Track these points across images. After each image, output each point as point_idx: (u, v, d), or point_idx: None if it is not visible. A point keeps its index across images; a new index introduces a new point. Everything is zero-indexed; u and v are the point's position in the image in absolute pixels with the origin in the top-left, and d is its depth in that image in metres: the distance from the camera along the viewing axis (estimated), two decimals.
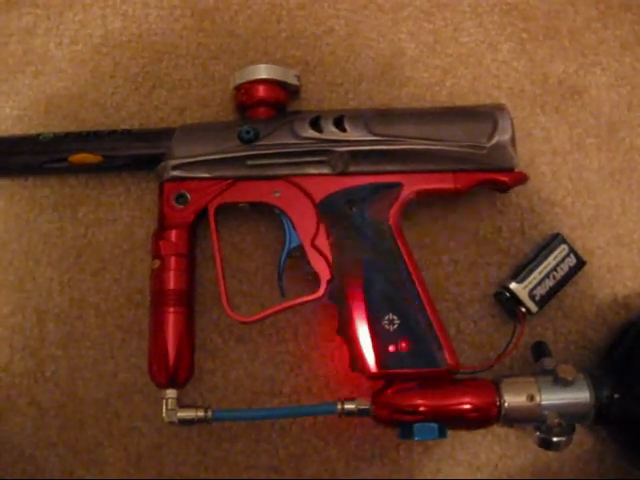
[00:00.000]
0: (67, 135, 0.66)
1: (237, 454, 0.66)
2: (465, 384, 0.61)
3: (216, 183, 0.63)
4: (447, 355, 0.60)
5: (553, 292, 0.65)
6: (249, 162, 0.63)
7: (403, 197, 0.63)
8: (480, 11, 0.72)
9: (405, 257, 0.62)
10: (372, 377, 0.61)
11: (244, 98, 0.65)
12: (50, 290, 0.68)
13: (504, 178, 0.63)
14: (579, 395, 0.60)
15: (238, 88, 0.66)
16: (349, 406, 0.60)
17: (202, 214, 0.63)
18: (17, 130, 0.70)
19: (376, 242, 0.62)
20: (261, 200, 0.63)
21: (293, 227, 0.63)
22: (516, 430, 0.67)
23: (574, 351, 0.67)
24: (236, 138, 0.63)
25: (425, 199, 0.66)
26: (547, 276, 0.65)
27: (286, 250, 0.63)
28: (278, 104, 0.66)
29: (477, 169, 0.63)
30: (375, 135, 0.63)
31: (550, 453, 0.66)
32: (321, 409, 0.63)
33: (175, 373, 0.61)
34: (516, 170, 0.63)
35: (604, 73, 0.72)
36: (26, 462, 0.66)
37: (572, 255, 0.66)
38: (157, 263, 0.62)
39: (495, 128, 0.63)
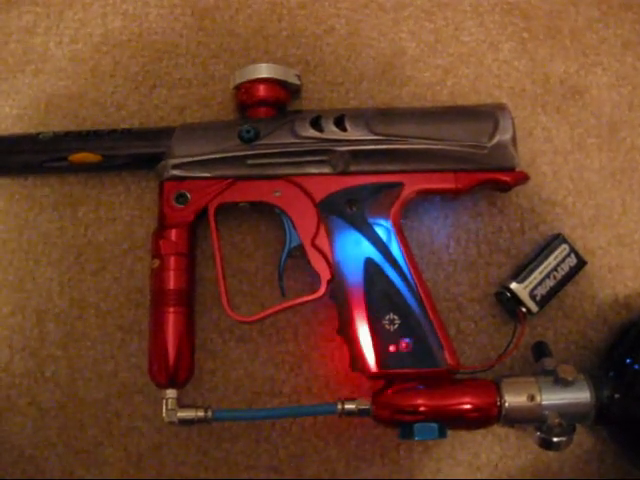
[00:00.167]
0: (67, 134, 0.65)
1: (237, 454, 0.66)
2: (465, 384, 0.61)
3: (216, 182, 0.63)
4: (447, 355, 0.60)
5: (554, 292, 0.65)
6: (249, 161, 0.63)
7: (404, 197, 0.63)
8: (481, 10, 0.72)
9: (406, 257, 0.61)
10: (372, 377, 0.61)
11: (244, 97, 0.65)
12: (50, 290, 0.68)
13: (505, 178, 0.63)
14: (580, 395, 0.60)
15: (238, 87, 0.65)
16: (349, 406, 0.60)
17: (202, 213, 0.63)
18: (17, 129, 0.70)
19: (376, 242, 0.61)
20: (261, 200, 0.63)
21: (293, 227, 0.63)
22: (516, 430, 0.67)
23: (575, 351, 0.67)
24: (236, 137, 0.63)
25: (426, 199, 0.66)
26: (548, 276, 0.65)
27: (286, 250, 0.63)
28: (278, 103, 0.65)
29: (478, 169, 0.63)
30: (376, 135, 0.63)
31: (550, 453, 0.66)
32: (321, 409, 0.63)
33: (175, 373, 0.61)
34: (517, 170, 0.63)
35: (605, 73, 0.72)
36: (26, 462, 0.66)
37: (573, 255, 0.66)
38: (157, 263, 0.62)
39: (496, 128, 0.63)
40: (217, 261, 0.63)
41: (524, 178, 0.64)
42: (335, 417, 0.62)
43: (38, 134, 0.66)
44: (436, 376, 0.60)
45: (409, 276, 0.61)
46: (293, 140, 0.63)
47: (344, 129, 0.63)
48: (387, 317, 0.60)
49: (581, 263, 0.66)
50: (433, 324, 0.60)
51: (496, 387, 0.60)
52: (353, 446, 0.66)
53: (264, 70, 0.64)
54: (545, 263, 0.65)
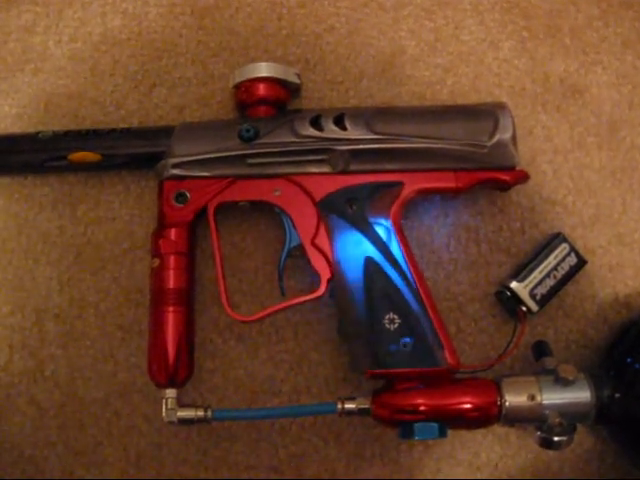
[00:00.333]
0: (66, 133, 0.65)
1: (237, 454, 0.66)
2: (466, 383, 0.61)
3: (216, 182, 0.63)
4: (448, 354, 0.60)
5: (554, 291, 0.65)
6: (249, 161, 0.63)
7: (404, 196, 0.62)
8: (481, 9, 0.72)
9: (406, 256, 0.61)
10: (372, 376, 0.61)
11: (244, 96, 0.65)
12: (49, 289, 0.68)
13: (505, 177, 0.63)
14: (580, 395, 0.60)
15: (238, 86, 0.65)
16: (349, 405, 0.60)
17: (202, 213, 0.63)
18: (16, 128, 0.70)
19: (377, 241, 0.61)
20: (261, 199, 0.63)
21: (293, 226, 0.63)
22: (517, 430, 0.67)
23: (575, 350, 0.67)
24: (236, 137, 0.63)
25: (426, 198, 0.66)
26: (548, 275, 0.65)
27: (286, 249, 0.63)
28: (278, 102, 0.65)
29: (478, 168, 0.62)
30: (376, 134, 0.63)
31: (551, 453, 0.66)
32: (321, 409, 0.63)
33: (175, 372, 0.61)
34: (517, 169, 0.63)
35: (605, 72, 0.72)
36: (26, 462, 0.66)
37: (573, 254, 0.66)
38: (157, 262, 0.62)
39: (496, 126, 0.63)
40: (217, 260, 0.63)
41: (524, 177, 0.64)
42: (335, 417, 0.62)
43: (38, 133, 0.66)
44: (436, 375, 0.60)
45: (409, 275, 0.61)
46: (293, 139, 0.63)
47: (344, 128, 0.63)
48: (387, 316, 0.60)
49: (581, 262, 0.66)
50: (433, 323, 0.60)
51: (496, 386, 0.60)
52: (353, 446, 0.66)
53: (264, 69, 0.64)
54: (545, 262, 0.65)
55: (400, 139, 0.63)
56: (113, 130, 0.65)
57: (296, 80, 0.66)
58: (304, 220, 0.63)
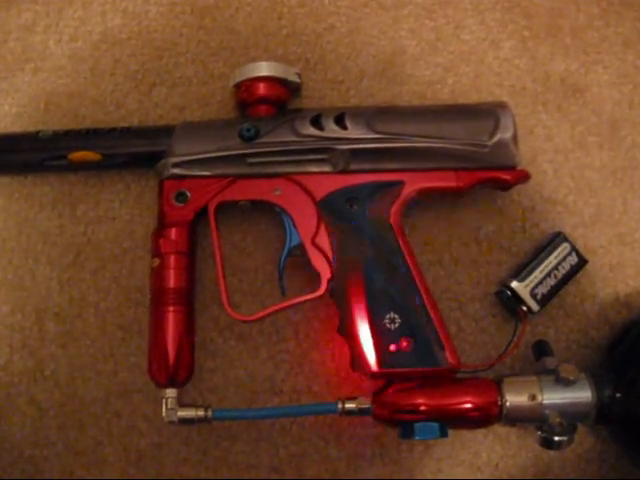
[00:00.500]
0: (67, 133, 0.65)
1: (237, 454, 0.66)
2: (466, 383, 0.61)
3: (216, 181, 0.63)
4: (448, 354, 0.60)
5: (555, 291, 0.65)
6: (249, 160, 0.63)
7: (404, 195, 0.62)
8: (482, 8, 0.72)
9: (406, 256, 0.61)
10: (373, 376, 0.61)
11: (245, 96, 0.65)
12: (49, 289, 0.67)
13: (506, 176, 0.63)
14: (581, 394, 0.60)
15: (238, 86, 0.65)
16: (350, 405, 0.60)
17: (202, 212, 0.63)
18: (16, 128, 0.70)
19: (377, 240, 0.61)
20: (261, 198, 0.63)
21: (294, 225, 0.63)
22: (517, 429, 0.67)
23: (576, 350, 0.67)
24: (236, 136, 0.63)
25: (426, 197, 0.66)
26: (549, 275, 0.65)
27: (286, 249, 0.63)
28: (279, 102, 0.65)
29: (479, 167, 0.62)
30: (376, 133, 0.63)
31: (551, 453, 0.66)
32: (322, 408, 0.63)
33: (175, 372, 0.61)
34: (518, 168, 0.63)
35: (606, 71, 0.71)
36: (25, 462, 0.66)
37: (574, 254, 0.66)
38: (157, 261, 0.62)
39: (497, 126, 0.63)
40: (217, 260, 0.62)
41: (525, 176, 0.64)
42: (335, 416, 0.62)
43: (38, 132, 0.65)
44: (437, 375, 0.60)
45: (410, 275, 0.61)
46: (293, 138, 0.63)
47: (344, 127, 0.63)
48: (388, 316, 0.60)
49: (582, 262, 0.66)
50: (434, 323, 0.60)
51: (497, 386, 0.60)
52: (353, 445, 0.66)
53: (264, 68, 0.64)
54: (546, 262, 0.65)
55: (401, 138, 0.63)
56: (113, 129, 0.65)
57: (296, 79, 0.66)
58: (304, 219, 0.62)
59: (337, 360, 0.66)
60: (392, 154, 0.63)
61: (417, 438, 0.58)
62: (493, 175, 0.63)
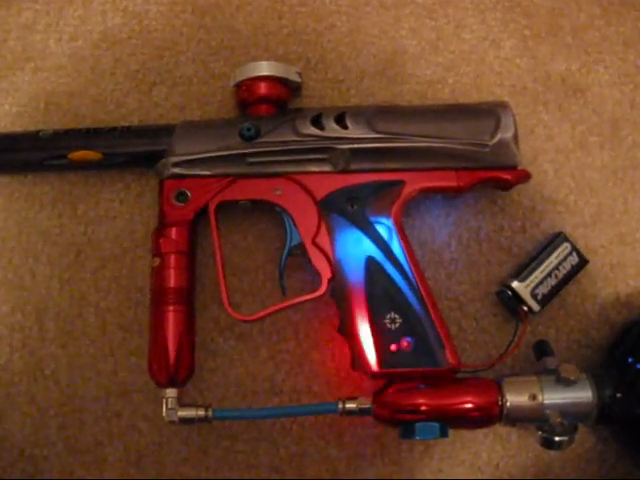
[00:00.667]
0: (67, 132, 0.65)
1: (237, 453, 0.66)
2: (467, 383, 0.61)
3: (217, 181, 0.63)
4: (449, 354, 0.60)
5: (555, 291, 0.65)
6: (250, 159, 0.63)
7: (405, 195, 0.62)
8: (482, 8, 0.72)
9: (407, 255, 0.61)
10: (373, 376, 0.61)
11: (245, 95, 0.65)
12: (50, 288, 0.67)
13: (507, 176, 0.63)
14: (581, 394, 0.60)
15: (239, 85, 0.65)
16: (350, 405, 0.60)
17: (202, 212, 0.63)
18: (17, 127, 0.70)
19: (378, 240, 0.61)
20: (262, 198, 0.63)
21: (294, 225, 0.63)
22: (518, 430, 0.67)
23: (576, 350, 0.67)
24: (237, 135, 0.63)
25: (427, 197, 0.66)
26: (549, 275, 0.65)
27: (287, 248, 0.63)
28: (279, 101, 0.65)
29: (480, 167, 0.62)
30: (377, 132, 0.63)
31: (552, 453, 0.66)
32: (322, 408, 0.63)
33: (175, 372, 0.60)
34: (519, 168, 0.63)
35: (607, 71, 0.71)
36: (25, 461, 0.66)
37: (574, 254, 0.66)
38: (157, 261, 0.62)
39: (498, 126, 0.63)
40: (217, 259, 0.62)
41: (526, 176, 0.64)
42: (336, 416, 0.62)
43: (38, 132, 0.65)
44: (437, 375, 0.60)
45: (410, 275, 0.61)
46: (294, 138, 0.63)
47: (345, 127, 0.63)
48: (388, 316, 0.60)
49: (583, 262, 0.66)
50: (434, 323, 0.60)
51: (497, 386, 0.60)
52: (354, 445, 0.66)
53: (265, 68, 0.64)
54: (547, 262, 0.65)
55: (401, 138, 0.62)
56: (114, 129, 0.65)
57: (297, 79, 0.66)
58: (305, 219, 0.62)
59: (337, 360, 0.66)
60: (393, 154, 0.62)
61: (417, 438, 0.58)
62: (494, 175, 0.63)
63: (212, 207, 0.63)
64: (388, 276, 0.61)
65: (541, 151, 0.70)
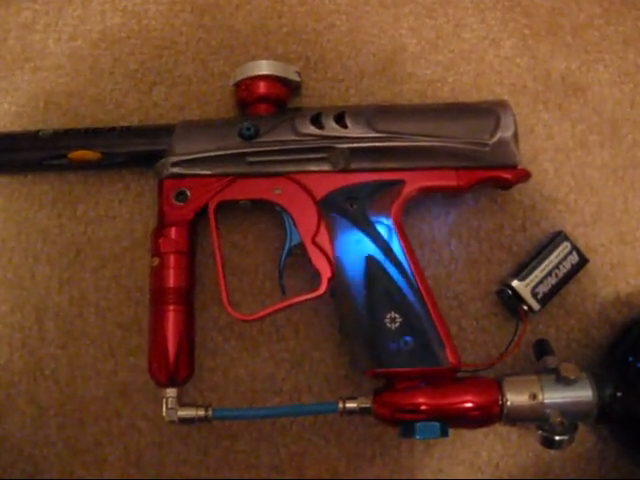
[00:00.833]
0: (66, 132, 0.65)
1: (238, 453, 0.66)
2: (467, 382, 0.61)
3: (216, 180, 0.63)
4: (449, 353, 0.60)
5: (555, 290, 0.65)
6: (249, 159, 0.63)
7: (405, 194, 0.62)
8: (482, 7, 0.72)
9: (407, 255, 0.61)
10: (373, 375, 0.61)
11: (244, 94, 0.65)
12: (49, 288, 0.67)
13: (507, 175, 0.62)
14: (582, 394, 0.60)
15: (238, 84, 0.65)
16: (350, 405, 0.60)
17: (202, 211, 0.63)
18: (16, 127, 0.70)
19: (377, 240, 0.61)
20: (262, 197, 0.63)
21: (294, 224, 0.63)
22: (518, 429, 0.66)
23: (577, 349, 0.67)
24: (236, 135, 0.63)
25: (427, 196, 0.66)
26: (549, 274, 0.65)
27: (287, 248, 0.63)
28: (279, 100, 0.65)
29: (479, 166, 0.62)
30: (377, 132, 0.63)
31: (552, 452, 0.65)
32: (322, 408, 0.63)
33: (175, 372, 0.60)
34: (519, 167, 0.63)
35: (607, 70, 0.71)
36: (25, 461, 0.66)
37: (575, 253, 0.66)
38: (157, 261, 0.62)
39: (497, 125, 0.63)
40: (217, 259, 0.62)
41: (526, 175, 0.63)
42: (336, 416, 0.62)
43: (38, 132, 0.65)
44: (437, 374, 0.60)
45: (410, 274, 0.61)
46: (293, 137, 0.63)
47: (345, 126, 0.63)
48: (388, 315, 0.60)
49: (583, 261, 0.66)
50: (434, 322, 0.60)
51: (498, 385, 0.60)
52: (354, 445, 0.66)
53: (264, 67, 0.64)
54: (547, 261, 0.65)
55: (401, 137, 0.62)
56: (113, 128, 0.65)
57: (297, 78, 0.66)
58: (305, 219, 0.62)
59: (337, 359, 0.66)
60: (392, 153, 0.62)
61: (418, 437, 0.58)
62: (494, 174, 0.62)
63: (212, 207, 0.63)
64: (388, 275, 0.61)
65: (541, 150, 0.70)
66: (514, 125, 0.63)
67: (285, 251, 0.63)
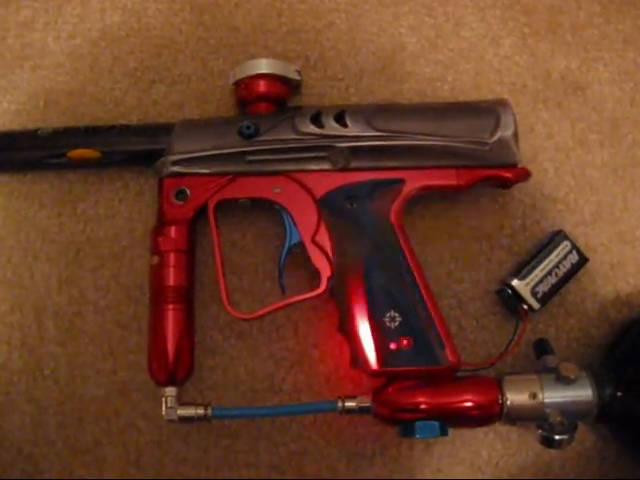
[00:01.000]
0: (66, 130, 0.65)
1: (237, 452, 0.66)
2: (467, 382, 0.61)
3: (216, 179, 0.63)
4: (449, 353, 0.60)
5: (555, 289, 0.65)
6: (249, 158, 0.63)
7: (405, 193, 0.62)
8: (482, 5, 0.72)
9: (407, 254, 0.61)
10: (373, 375, 0.61)
11: (244, 93, 0.65)
12: (48, 286, 0.67)
13: (507, 174, 0.63)
14: (582, 393, 0.60)
15: (238, 83, 0.65)
16: (350, 404, 0.60)
17: (202, 210, 0.63)
18: (15, 125, 0.69)
19: (377, 238, 0.61)
20: (261, 196, 0.63)
21: (294, 223, 0.63)
22: (518, 428, 0.66)
23: (576, 349, 0.67)
24: (236, 133, 0.63)
25: (427, 195, 0.66)
26: (549, 273, 0.65)
27: (286, 246, 0.63)
28: (279, 99, 0.65)
29: (480, 165, 0.62)
30: (376, 130, 0.62)
31: (552, 451, 0.65)
32: (322, 407, 0.62)
33: (174, 370, 0.60)
34: (519, 166, 0.63)
35: (607, 69, 0.71)
36: (25, 460, 0.66)
37: (574, 252, 0.66)
38: (156, 259, 0.62)
39: (497, 124, 0.63)
40: (217, 258, 0.62)
41: (526, 174, 0.63)
42: (335, 415, 0.62)
43: (37, 130, 0.65)
44: (437, 374, 0.60)
45: (410, 273, 0.61)
46: (293, 136, 0.63)
47: (344, 125, 0.63)
48: (388, 314, 0.60)
49: (583, 260, 0.66)
50: (434, 321, 0.60)
51: (498, 385, 0.60)
52: (353, 444, 0.66)
53: (264, 66, 0.64)
54: (547, 260, 0.65)
55: (401, 136, 0.62)
56: (112, 127, 0.65)
57: (296, 77, 0.66)
58: (304, 217, 0.62)
59: (337, 358, 0.66)
60: (392, 152, 0.62)
61: (417, 437, 0.58)
62: (494, 173, 0.62)
63: (211, 205, 0.63)
64: (388, 274, 0.60)
65: (541, 149, 0.70)
66: (514, 124, 0.63)
67: (285, 250, 0.63)
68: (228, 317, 0.65)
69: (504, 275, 0.67)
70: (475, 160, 0.62)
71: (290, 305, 0.63)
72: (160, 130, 0.64)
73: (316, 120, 0.63)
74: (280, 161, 0.63)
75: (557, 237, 0.66)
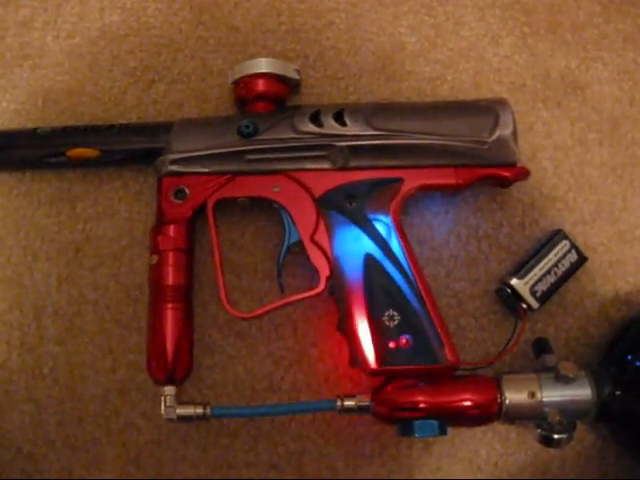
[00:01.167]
0: (65, 129, 0.65)
1: (236, 451, 0.66)
2: (466, 381, 0.61)
3: (215, 178, 0.63)
4: (448, 351, 0.60)
5: (554, 288, 0.65)
6: (248, 157, 0.63)
7: (404, 192, 0.62)
8: (481, 5, 0.72)
9: (405, 253, 0.61)
10: (372, 373, 0.61)
11: (243, 92, 0.65)
12: (48, 286, 0.67)
13: (506, 173, 0.63)
14: (581, 392, 0.60)
15: (237, 82, 0.65)
16: (349, 403, 0.60)
17: (201, 209, 0.63)
18: (14, 124, 0.69)
19: (376, 238, 0.61)
20: (260, 195, 0.63)
21: (293, 222, 0.63)
22: (517, 427, 0.66)
23: (575, 348, 0.67)
24: (235, 133, 0.63)
25: (426, 194, 0.66)
26: (548, 272, 0.65)
27: (285, 245, 0.63)
28: (278, 98, 0.65)
29: (479, 164, 0.62)
30: (375, 130, 0.62)
31: (551, 450, 0.65)
32: (321, 406, 0.63)
33: (173, 370, 0.60)
34: (518, 165, 0.63)
35: (606, 68, 0.71)
36: (24, 459, 0.66)
37: (573, 251, 0.66)
38: (155, 258, 0.62)
39: (497, 123, 0.63)
40: (216, 257, 0.62)
41: (525, 173, 0.63)
42: (334, 414, 0.62)
43: (36, 129, 0.65)
44: (436, 373, 0.60)
45: (409, 272, 0.61)
46: (292, 135, 0.63)
47: (343, 124, 0.63)
48: (387, 313, 0.60)
49: (582, 259, 0.66)
50: (433, 320, 0.60)
51: (497, 384, 0.60)
52: (352, 443, 0.66)
53: (263, 65, 0.64)
54: (546, 259, 0.65)
55: (400, 135, 0.62)
56: (112, 126, 0.65)
57: (295, 76, 0.66)
58: (303, 216, 0.62)
59: (336, 357, 0.66)
60: (391, 151, 0.62)
61: (416, 436, 0.58)
62: (493, 172, 0.62)
63: (210, 204, 0.63)
64: (387, 273, 0.61)
65: (540, 148, 0.70)
66: (513, 123, 0.63)
67: (284, 249, 0.63)
68: (227, 316, 0.65)
69: (503, 274, 0.67)
70: (474, 159, 0.62)
71: (289, 304, 0.63)
72: (159, 129, 0.64)
73: (315, 119, 0.63)
74: (279, 160, 0.63)
75: (556, 236, 0.66)
